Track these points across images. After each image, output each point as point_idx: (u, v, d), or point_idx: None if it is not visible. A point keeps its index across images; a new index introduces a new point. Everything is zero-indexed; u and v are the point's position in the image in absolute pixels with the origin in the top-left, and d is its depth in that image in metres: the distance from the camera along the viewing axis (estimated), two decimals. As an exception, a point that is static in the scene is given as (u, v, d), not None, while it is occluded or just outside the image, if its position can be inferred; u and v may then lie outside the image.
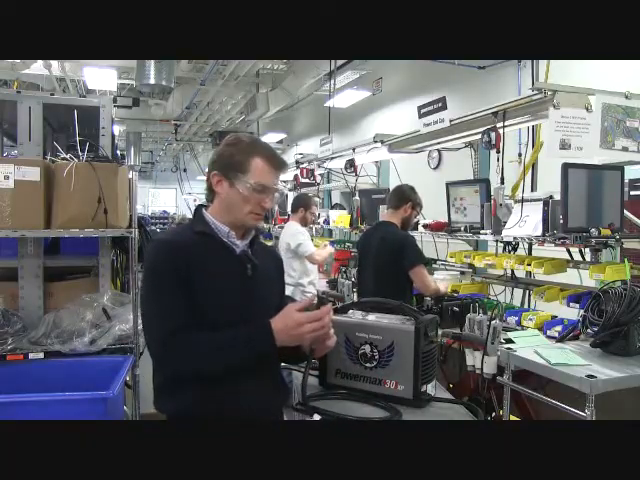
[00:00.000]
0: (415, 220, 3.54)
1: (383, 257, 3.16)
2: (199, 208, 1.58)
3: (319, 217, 5.46)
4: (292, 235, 4.30)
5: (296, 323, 1.38)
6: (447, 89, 5.68)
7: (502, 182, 2.92)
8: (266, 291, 1.56)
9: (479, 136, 3.42)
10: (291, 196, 6.98)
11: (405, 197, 3.29)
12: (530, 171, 3.97)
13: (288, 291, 2.98)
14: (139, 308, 1.54)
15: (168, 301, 1.41)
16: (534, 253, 3.39)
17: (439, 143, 3.60)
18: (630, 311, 2.02)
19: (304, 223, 4.48)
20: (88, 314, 2.58)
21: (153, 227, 14.58)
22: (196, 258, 1.44)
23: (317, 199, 5.02)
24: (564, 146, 2.46)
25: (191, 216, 1.67)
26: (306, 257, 4.23)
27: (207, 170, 1.55)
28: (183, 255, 1.42)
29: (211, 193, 1.54)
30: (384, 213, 3.49)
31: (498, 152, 2.90)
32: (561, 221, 2.50)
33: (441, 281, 3.51)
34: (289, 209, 6.83)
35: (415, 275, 3.08)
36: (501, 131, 2.87)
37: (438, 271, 3.95)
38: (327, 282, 4.64)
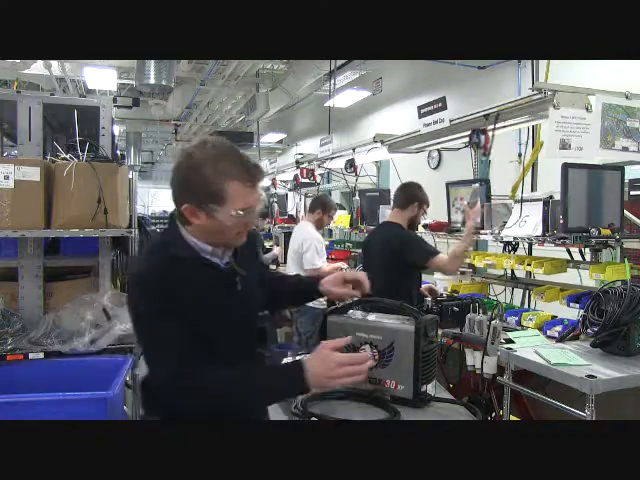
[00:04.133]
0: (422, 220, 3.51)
1: (388, 257, 3.13)
2: (175, 226, 1.39)
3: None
4: (304, 239, 4.09)
5: (336, 364, 1.25)
6: (447, 89, 5.68)
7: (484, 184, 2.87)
8: (255, 293, 1.52)
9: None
10: (291, 196, 6.98)
11: (413, 196, 3.22)
12: (530, 171, 3.97)
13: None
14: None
15: (171, 337, 1.27)
16: (534, 253, 3.39)
17: (439, 143, 3.60)
18: (630, 311, 2.01)
19: (319, 225, 4.31)
20: (88, 314, 2.58)
21: (153, 227, 14.56)
22: (183, 288, 1.30)
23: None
24: (564, 146, 2.46)
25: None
26: (305, 269, 4.02)
27: (172, 196, 1.37)
28: (170, 288, 1.28)
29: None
30: (389, 212, 3.44)
31: (485, 155, 2.93)
32: (561, 221, 2.50)
33: (440, 281, 3.51)
34: (289, 209, 6.85)
35: (436, 266, 3.01)
36: (491, 133, 2.86)
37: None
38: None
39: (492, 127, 2.86)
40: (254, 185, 1.33)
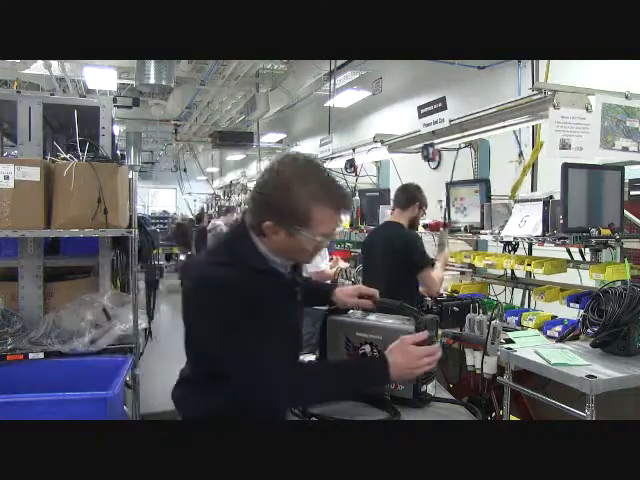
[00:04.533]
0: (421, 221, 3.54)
1: (391, 257, 3.14)
2: (248, 235, 1.38)
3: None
4: None
5: (417, 356, 1.36)
6: (447, 89, 5.68)
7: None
8: (302, 304, 1.59)
9: (479, 136, 3.45)
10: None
11: (413, 197, 3.27)
12: (530, 171, 3.97)
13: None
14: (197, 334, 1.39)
15: (269, 340, 1.29)
16: (534, 253, 3.38)
17: (439, 143, 3.60)
18: (630, 311, 2.01)
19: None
20: (88, 314, 2.58)
21: (153, 227, 14.57)
22: (263, 298, 1.31)
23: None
24: (564, 146, 2.46)
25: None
26: (309, 272, 3.88)
27: (252, 208, 1.36)
28: (255, 296, 1.29)
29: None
30: (390, 213, 3.46)
31: (430, 161, 3.37)
32: (561, 221, 2.50)
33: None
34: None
35: (423, 278, 3.08)
36: (441, 145, 3.36)
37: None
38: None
39: (441, 140, 3.31)
40: (344, 212, 1.36)
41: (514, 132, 3.45)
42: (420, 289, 3.22)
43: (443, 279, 3.19)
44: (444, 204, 3.63)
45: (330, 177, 1.36)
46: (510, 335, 2.40)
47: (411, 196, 3.27)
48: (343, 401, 1.52)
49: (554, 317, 2.84)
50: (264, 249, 1.37)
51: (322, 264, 4.04)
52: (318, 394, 1.37)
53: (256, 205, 1.35)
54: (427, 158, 3.35)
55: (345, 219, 1.35)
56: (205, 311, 1.33)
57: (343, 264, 4.33)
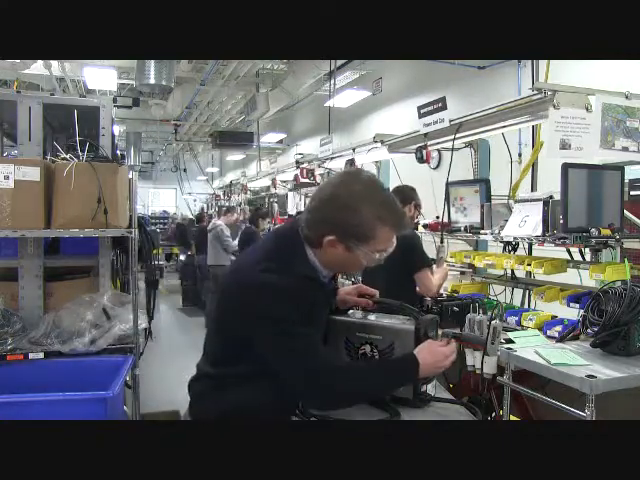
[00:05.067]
0: (416, 220, 3.56)
1: (392, 257, 3.14)
2: (301, 243, 1.44)
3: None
4: None
5: (444, 356, 1.49)
6: (447, 89, 5.69)
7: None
8: None
9: (479, 136, 3.45)
10: (291, 196, 6.98)
11: (409, 197, 3.34)
12: (530, 171, 3.97)
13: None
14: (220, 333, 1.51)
15: (317, 341, 1.44)
16: (534, 253, 3.38)
17: (439, 143, 3.60)
18: (630, 311, 2.01)
19: None
20: (88, 314, 2.58)
21: (153, 227, 14.58)
22: (312, 305, 1.42)
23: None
24: (564, 146, 2.45)
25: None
26: None
27: (312, 219, 1.42)
28: (305, 303, 1.39)
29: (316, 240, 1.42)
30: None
31: (423, 162, 3.42)
32: (561, 221, 2.50)
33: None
34: (289, 209, 6.85)
35: (420, 279, 3.09)
36: (432, 147, 3.43)
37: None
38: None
39: (434, 142, 3.40)
40: (398, 231, 1.45)
41: (502, 134, 3.47)
42: (417, 289, 3.22)
43: (440, 287, 3.21)
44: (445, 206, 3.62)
45: (391, 197, 1.46)
46: (510, 335, 2.40)
47: (407, 196, 3.33)
48: (374, 399, 1.58)
49: (554, 317, 2.83)
50: (313, 258, 1.44)
51: None
52: (361, 389, 1.46)
53: (317, 219, 1.41)
54: (421, 160, 3.43)
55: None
56: (259, 314, 1.37)
57: None
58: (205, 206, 14.19)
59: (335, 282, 1.64)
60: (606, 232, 2.47)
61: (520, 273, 3.33)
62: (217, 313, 1.52)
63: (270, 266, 1.39)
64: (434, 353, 1.48)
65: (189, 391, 1.56)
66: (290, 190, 6.85)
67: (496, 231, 3.04)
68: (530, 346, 2.19)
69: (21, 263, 2.77)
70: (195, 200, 17.02)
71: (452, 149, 3.24)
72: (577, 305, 2.64)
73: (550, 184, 2.93)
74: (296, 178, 5.81)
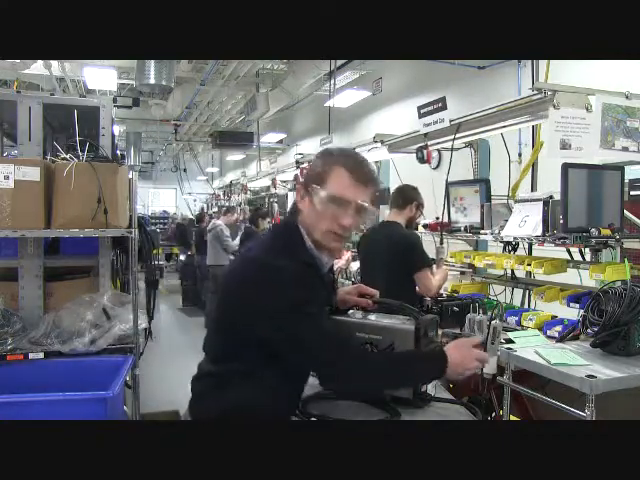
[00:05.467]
0: (417, 220, 3.56)
1: (392, 257, 3.15)
2: (298, 231, 1.45)
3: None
4: None
5: (472, 358, 1.45)
6: (447, 89, 5.69)
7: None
8: None
9: (479, 136, 3.45)
10: (291, 196, 6.97)
11: (410, 197, 3.32)
12: (530, 171, 3.97)
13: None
14: (216, 320, 1.50)
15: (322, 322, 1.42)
16: (534, 253, 3.38)
17: (439, 143, 3.60)
18: (630, 311, 2.01)
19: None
20: (88, 314, 2.58)
21: (153, 227, 14.58)
22: (311, 290, 1.40)
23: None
24: (564, 146, 2.45)
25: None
26: None
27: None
28: (305, 288, 1.37)
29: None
30: (388, 213, 3.49)
31: (424, 162, 3.41)
32: (561, 221, 2.50)
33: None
34: (289, 209, 6.85)
35: (420, 279, 3.09)
36: (432, 147, 3.43)
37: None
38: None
39: (435, 142, 3.41)
40: (360, 182, 1.39)
41: (501, 134, 3.47)
42: (417, 289, 3.22)
43: (440, 287, 3.22)
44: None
45: (361, 156, 1.48)
46: (510, 335, 2.40)
47: (408, 196, 3.32)
48: (402, 388, 1.54)
49: (554, 317, 2.83)
50: (311, 246, 1.44)
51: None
52: (384, 374, 1.43)
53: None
54: (422, 160, 3.41)
55: (367, 204, 1.37)
56: (264, 296, 1.36)
57: (347, 262, 4.32)
58: (205, 206, 14.19)
59: (333, 275, 1.63)
60: (606, 232, 2.47)
61: (520, 273, 3.33)
62: (217, 312, 1.52)
63: (268, 257, 1.41)
64: (464, 353, 1.44)
65: (191, 390, 1.56)
66: (290, 190, 6.85)
67: (496, 231, 3.04)
68: (530, 346, 2.19)
69: (21, 263, 2.77)
70: (195, 200, 17.02)
71: (452, 149, 3.23)
72: (577, 305, 2.64)
73: (550, 184, 2.93)
74: (296, 178, 5.81)
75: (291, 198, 6.87)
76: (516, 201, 3.01)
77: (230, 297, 1.47)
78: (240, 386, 1.44)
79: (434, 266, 3.24)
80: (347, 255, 4.30)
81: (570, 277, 2.98)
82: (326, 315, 1.53)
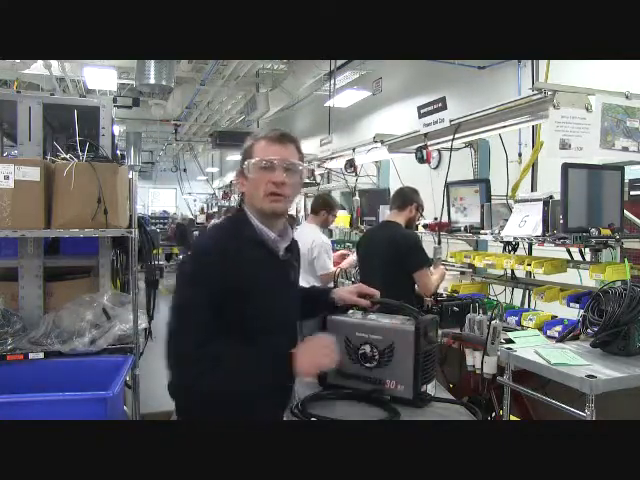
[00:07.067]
0: (417, 222, 3.56)
1: (392, 256, 3.16)
2: (242, 209, 1.54)
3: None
4: (313, 245, 3.94)
5: (322, 346, 1.45)
6: (447, 89, 5.68)
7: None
8: (298, 290, 1.69)
9: (479, 136, 3.45)
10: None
11: (410, 198, 3.34)
12: (530, 171, 3.97)
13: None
14: (171, 314, 1.47)
15: (200, 314, 1.39)
16: (534, 253, 3.38)
17: (439, 143, 3.60)
18: (630, 311, 2.01)
19: (324, 225, 4.31)
20: (88, 314, 2.58)
21: (153, 227, 14.58)
22: (247, 267, 1.42)
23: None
24: (564, 146, 2.45)
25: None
26: (319, 274, 3.93)
27: None
28: (233, 265, 1.39)
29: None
30: (388, 213, 3.49)
31: (423, 162, 3.44)
32: (561, 221, 2.50)
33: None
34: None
35: (419, 278, 3.09)
36: (432, 147, 3.47)
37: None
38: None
39: (435, 142, 3.43)
40: (276, 142, 1.50)
41: (499, 135, 3.47)
42: (415, 289, 3.23)
43: (438, 287, 3.23)
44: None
45: (278, 129, 1.58)
46: (510, 335, 2.40)
47: (408, 198, 3.34)
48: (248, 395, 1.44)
49: (554, 317, 2.83)
50: (257, 223, 1.49)
51: (331, 265, 4.05)
52: (222, 383, 1.39)
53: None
54: (422, 160, 3.43)
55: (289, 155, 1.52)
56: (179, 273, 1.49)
57: (350, 265, 4.30)
58: (205, 206, 14.19)
59: (295, 255, 1.63)
60: (606, 232, 2.47)
61: (520, 273, 3.34)
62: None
63: (201, 239, 1.52)
64: (309, 344, 1.46)
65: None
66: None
67: (496, 231, 3.04)
68: (530, 346, 2.19)
69: (21, 263, 2.78)
70: (195, 200, 17.03)
71: (451, 149, 3.23)
72: (577, 305, 2.64)
73: (550, 184, 2.93)
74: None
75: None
76: (516, 201, 3.01)
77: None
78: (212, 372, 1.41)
79: (432, 266, 3.24)
80: (351, 257, 4.29)
81: (570, 277, 2.98)
82: (269, 295, 1.48)
